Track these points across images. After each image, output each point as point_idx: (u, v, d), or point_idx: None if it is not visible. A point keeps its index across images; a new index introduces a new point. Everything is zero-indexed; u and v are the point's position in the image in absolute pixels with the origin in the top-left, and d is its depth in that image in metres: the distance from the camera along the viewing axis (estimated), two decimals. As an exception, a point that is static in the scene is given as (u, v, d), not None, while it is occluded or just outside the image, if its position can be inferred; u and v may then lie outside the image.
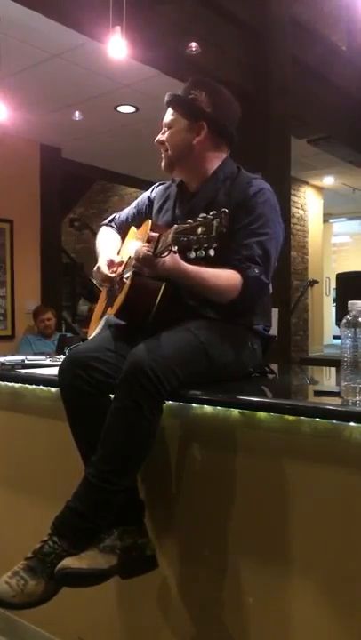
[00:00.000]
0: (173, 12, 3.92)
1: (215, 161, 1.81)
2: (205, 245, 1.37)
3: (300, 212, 8.29)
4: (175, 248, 1.42)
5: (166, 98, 1.83)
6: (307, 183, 8.33)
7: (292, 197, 7.37)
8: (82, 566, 1.44)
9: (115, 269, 1.85)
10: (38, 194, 5.87)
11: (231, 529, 1.56)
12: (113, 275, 1.84)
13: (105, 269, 1.85)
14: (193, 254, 1.39)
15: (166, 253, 1.46)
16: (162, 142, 1.84)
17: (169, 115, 1.83)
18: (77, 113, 5.02)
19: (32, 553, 1.47)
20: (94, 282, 1.93)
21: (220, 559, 1.58)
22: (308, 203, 8.47)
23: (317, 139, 5.93)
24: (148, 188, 2.03)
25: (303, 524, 1.43)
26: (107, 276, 1.84)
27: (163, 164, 1.86)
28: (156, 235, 1.52)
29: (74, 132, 5.54)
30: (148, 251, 1.50)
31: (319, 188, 8.60)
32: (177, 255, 1.51)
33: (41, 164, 5.89)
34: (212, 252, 1.38)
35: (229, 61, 4.38)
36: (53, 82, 4.55)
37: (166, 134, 1.82)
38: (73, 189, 7.58)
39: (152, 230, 1.63)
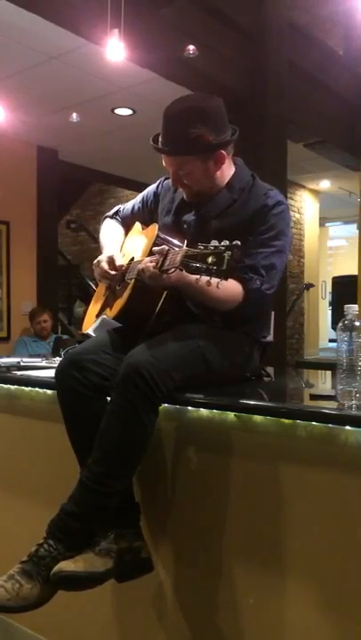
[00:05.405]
0: (171, 15, 3.93)
1: (228, 169, 1.77)
2: (214, 276, 1.37)
3: (297, 215, 8.30)
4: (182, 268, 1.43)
5: (169, 147, 1.66)
6: (303, 187, 8.35)
7: (289, 201, 7.33)
8: (77, 569, 1.44)
9: (114, 268, 1.82)
10: (35, 195, 5.86)
11: (227, 532, 1.56)
12: (113, 272, 1.80)
13: (105, 266, 1.82)
14: (200, 279, 1.39)
15: (172, 271, 1.47)
16: (181, 183, 1.73)
17: (176, 159, 1.68)
18: (75, 115, 5.02)
19: (27, 556, 1.47)
20: (95, 274, 1.88)
21: (215, 562, 1.58)
22: (305, 206, 8.49)
23: (314, 143, 5.94)
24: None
25: (299, 527, 1.43)
26: (106, 272, 1.81)
27: (187, 195, 1.76)
28: (161, 249, 1.51)
29: (71, 134, 5.54)
30: (155, 267, 1.50)
31: (315, 192, 8.62)
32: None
33: (38, 165, 5.89)
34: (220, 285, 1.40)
35: (226, 65, 4.39)
36: (51, 84, 4.55)
37: (185, 178, 1.70)
38: (70, 191, 7.59)
39: (156, 244, 1.62)
